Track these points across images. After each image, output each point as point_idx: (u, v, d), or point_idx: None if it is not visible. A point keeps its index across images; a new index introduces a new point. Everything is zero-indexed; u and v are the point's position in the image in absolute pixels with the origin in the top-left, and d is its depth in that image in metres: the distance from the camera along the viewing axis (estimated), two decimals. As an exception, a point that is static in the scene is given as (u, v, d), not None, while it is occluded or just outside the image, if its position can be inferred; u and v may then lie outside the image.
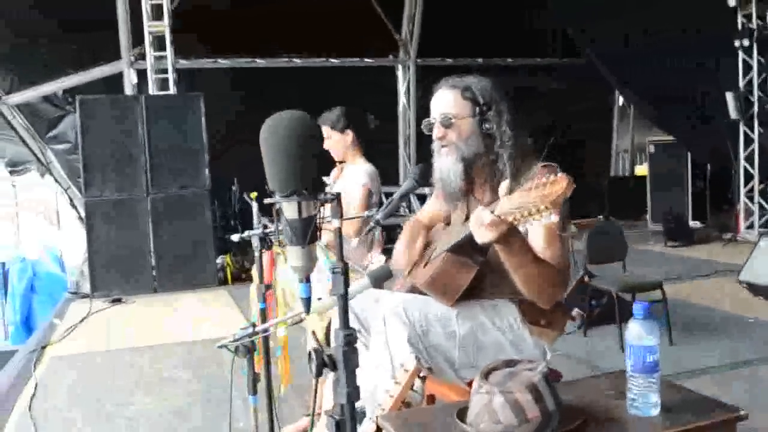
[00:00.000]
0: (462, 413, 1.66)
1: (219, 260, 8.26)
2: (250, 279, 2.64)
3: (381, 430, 1.78)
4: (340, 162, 4.12)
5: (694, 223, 9.73)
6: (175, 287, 7.78)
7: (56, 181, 9.58)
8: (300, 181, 1.38)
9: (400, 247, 2.42)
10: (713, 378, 4.42)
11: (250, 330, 2.22)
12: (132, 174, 7.82)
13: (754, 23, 8.82)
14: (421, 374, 1.93)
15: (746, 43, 8.88)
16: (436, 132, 2.28)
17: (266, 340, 2.38)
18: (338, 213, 1.48)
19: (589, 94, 11.79)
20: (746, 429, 3.39)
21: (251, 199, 2.75)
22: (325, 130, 3.97)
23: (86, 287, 7.88)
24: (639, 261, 7.77)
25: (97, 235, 7.79)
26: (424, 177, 2.27)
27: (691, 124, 9.56)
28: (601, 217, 11.36)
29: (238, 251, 8.27)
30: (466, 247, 2.03)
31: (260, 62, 10.39)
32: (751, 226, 9.02)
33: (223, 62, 10.23)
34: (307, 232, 1.38)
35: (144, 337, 6.01)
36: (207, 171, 8.02)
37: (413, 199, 8.83)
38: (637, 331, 1.63)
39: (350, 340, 1.40)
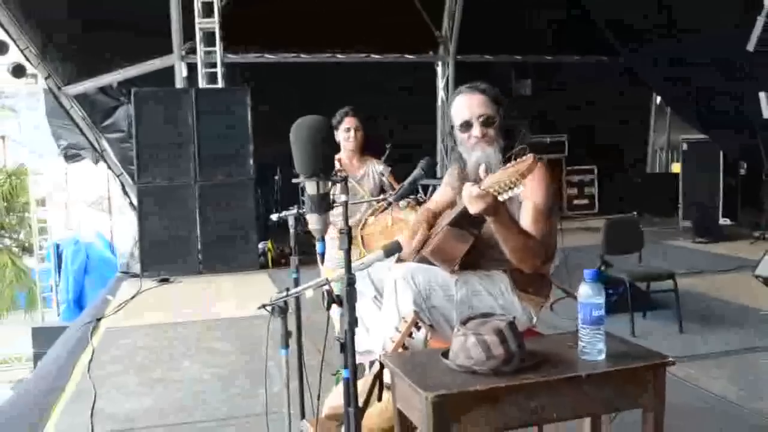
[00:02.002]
0: (446, 353, 2.13)
1: (261, 245, 8.81)
2: (289, 264, 3.12)
3: (383, 368, 2.26)
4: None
5: (724, 221, 9.99)
6: (218, 269, 8.37)
7: (109, 168, 10.26)
8: (318, 166, 1.88)
9: (403, 238, 2.90)
10: (717, 362, 4.80)
11: (285, 293, 2.72)
12: (181, 162, 8.43)
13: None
14: (419, 326, 2.40)
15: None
16: (478, 131, 2.72)
17: (297, 300, 2.87)
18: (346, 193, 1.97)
19: (628, 92, 12.04)
20: (743, 412, 3.80)
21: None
22: (354, 121, 4.66)
23: (136, 268, 8.52)
24: (665, 255, 8.13)
25: (147, 219, 8.42)
26: (431, 168, 2.73)
27: (725, 123, 9.78)
28: (635, 212, 11.69)
29: (278, 237, 8.81)
30: (463, 220, 2.51)
31: (304, 57, 10.91)
32: (779, 225, 9.24)
33: (270, 57, 10.77)
34: (323, 204, 1.89)
35: (190, 313, 6.58)
36: (251, 160, 8.57)
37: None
38: (586, 291, 2.08)
39: (351, 281, 1.88)
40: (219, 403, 4.24)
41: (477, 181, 2.33)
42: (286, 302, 2.79)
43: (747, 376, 4.49)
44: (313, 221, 1.96)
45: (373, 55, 11.18)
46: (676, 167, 11.30)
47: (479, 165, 2.43)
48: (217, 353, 5.30)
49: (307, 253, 3.03)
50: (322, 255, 2.02)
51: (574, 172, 12.09)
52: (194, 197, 8.46)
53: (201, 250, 8.47)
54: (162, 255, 8.35)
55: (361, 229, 3.27)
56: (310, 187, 1.92)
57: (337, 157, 4.87)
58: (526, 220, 2.58)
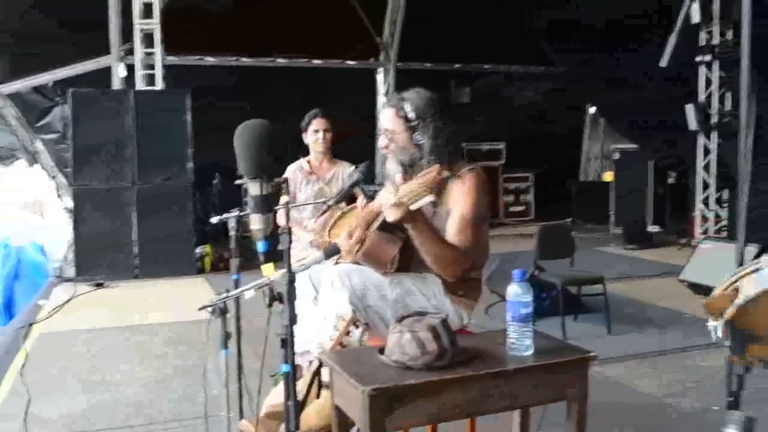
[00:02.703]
0: (382, 350, 2.22)
1: (198, 250, 8.77)
2: (228, 268, 3.17)
3: (322, 365, 2.34)
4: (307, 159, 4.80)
5: (653, 228, 10.38)
6: (155, 274, 8.30)
7: (44, 169, 10.05)
8: (261, 168, 1.96)
9: (342, 240, 3.00)
10: (643, 362, 5.03)
11: (225, 294, 2.78)
12: (119, 165, 8.34)
13: (716, 40, 9.45)
14: (357, 324, 2.49)
15: (707, 58, 9.51)
16: (381, 143, 2.87)
17: (237, 302, 2.92)
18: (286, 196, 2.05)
19: (564, 102, 12.39)
20: (667, 408, 4.00)
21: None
22: (324, 123, 4.74)
23: (70, 272, 8.38)
24: (596, 260, 8.41)
25: (83, 222, 8.29)
26: (370, 172, 2.84)
27: (655, 134, 10.19)
28: (569, 219, 12.06)
29: (217, 241, 8.79)
30: (390, 225, 2.62)
31: (246, 61, 10.90)
32: (705, 232, 9.65)
33: (210, 60, 10.73)
34: (265, 205, 1.97)
35: (127, 317, 6.53)
36: (191, 164, 8.54)
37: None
38: (515, 290, 2.20)
39: (291, 279, 1.96)
40: (157, 406, 4.24)
41: (398, 189, 2.47)
42: (226, 303, 2.85)
43: (671, 375, 4.72)
44: (256, 222, 2.04)
45: (314, 61, 11.24)
46: (608, 176, 11.69)
47: (387, 174, 2.56)
48: (154, 357, 5.29)
49: (246, 256, 3.09)
50: (265, 254, 2.11)
51: (511, 179, 12.37)
52: (132, 201, 8.38)
53: (138, 254, 8.39)
54: (97, 259, 8.24)
55: (330, 229, 3.36)
56: (254, 188, 2.00)
57: (306, 158, 4.93)
58: (452, 228, 2.71)
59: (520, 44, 11.30)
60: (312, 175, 4.85)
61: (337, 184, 4.82)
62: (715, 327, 1.03)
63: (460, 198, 2.70)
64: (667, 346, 5.34)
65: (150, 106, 8.48)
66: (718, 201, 9.75)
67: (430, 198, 2.34)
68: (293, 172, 4.87)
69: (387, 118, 2.89)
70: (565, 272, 5.94)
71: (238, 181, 2.03)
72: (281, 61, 11.03)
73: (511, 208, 12.36)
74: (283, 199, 2.03)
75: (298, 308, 2.62)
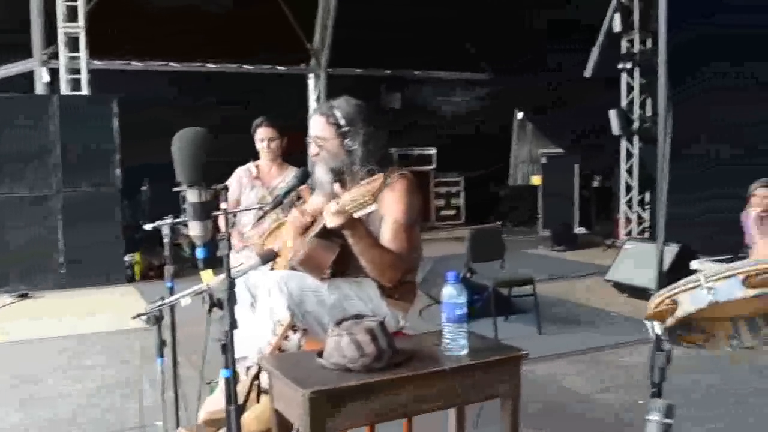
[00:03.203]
0: (321, 354, 2.26)
1: (128, 258, 8.60)
2: (158, 276, 3.15)
3: (261, 370, 2.36)
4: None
5: (579, 230, 10.71)
6: (83, 283, 8.11)
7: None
8: (199, 175, 1.98)
9: (279, 245, 3.03)
10: (572, 360, 5.19)
11: (160, 302, 2.77)
12: (44, 172, 8.12)
13: (636, 48, 9.81)
14: (295, 329, 2.53)
15: (629, 65, 9.87)
16: (312, 150, 2.91)
17: (172, 309, 2.91)
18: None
19: (493, 107, 12.66)
20: (595, 404, 4.15)
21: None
22: (270, 131, 4.64)
23: (-8, 284, 8.10)
24: (526, 262, 8.62)
25: (6, 231, 8.03)
26: (305, 178, 2.87)
27: (580, 138, 10.51)
28: (499, 222, 12.29)
29: (147, 249, 8.64)
30: (328, 231, 2.66)
31: (174, 66, 10.76)
32: (629, 233, 10.00)
33: (137, 64, 10.56)
34: (204, 212, 1.98)
35: (54, 328, 6.35)
36: (118, 171, 8.37)
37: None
38: (449, 292, 2.27)
39: (231, 285, 1.98)
40: (90, 419, 4.15)
41: (333, 196, 2.51)
42: (161, 311, 2.84)
43: (599, 372, 4.89)
44: (195, 229, 2.05)
45: (245, 66, 11.18)
46: (536, 179, 11.97)
47: (318, 183, 2.60)
48: (85, 368, 5.17)
49: (178, 263, 3.08)
50: (204, 260, 2.11)
51: (442, 183, 12.55)
52: (57, 208, 8.17)
53: (65, 263, 8.18)
54: (22, 269, 8.00)
55: (266, 238, 3.37)
56: (192, 196, 2.01)
57: (256, 162, 4.89)
58: (387, 234, 2.76)
59: (450, 50, 11.49)
60: (257, 180, 4.80)
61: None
62: (653, 325, 1.10)
63: (392, 204, 2.76)
64: (595, 344, 5.51)
65: (75, 111, 8.28)
66: (641, 203, 10.11)
67: (373, 207, 2.37)
68: (239, 176, 4.83)
69: (318, 126, 2.93)
70: (496, 274, 6.07)
71: (176, 189, 2.04)
72: (211, 66, 10.93)
73: (443, 212, 12.54)
74: (222, 205, 2.04)
75: (240, 315, 2.64)
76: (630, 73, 9.94)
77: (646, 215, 10.11)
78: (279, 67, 11.56)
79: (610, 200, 10.64)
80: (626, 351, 5.27)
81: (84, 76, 9.06)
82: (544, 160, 11.49)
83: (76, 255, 8.19)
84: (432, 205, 12.40)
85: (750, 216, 5.36)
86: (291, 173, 4.82)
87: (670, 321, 1.04)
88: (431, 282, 6.40)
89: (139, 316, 2.81)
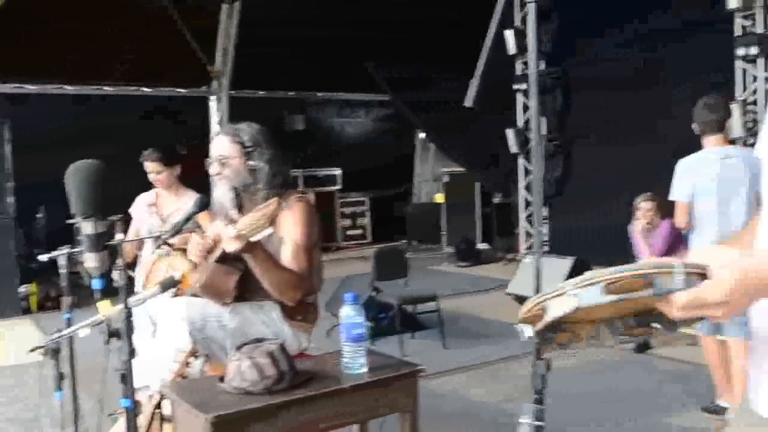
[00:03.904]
0: (223, 378, 2.30)
1: (23, 288, 8.28)
2: (56, 307, 3.09)
3: (163, 397, 2.38)
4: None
5: (482, 245, 11.01)
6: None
7: None
8: (94, 207, 1.99)
9: (180, 273, 3.04)
10: (476, 373, 5.36)
11: (58, 334, 2.73)
12: (-72, 201, 7.75)
13: (531, 69, 10.21)
14: (196, 355, 2.55)
15: (523, 86, 10.25)
16: (214, 169, 2.93)
17: (71, 341, 2.87)
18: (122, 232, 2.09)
19: (396, 127, 12.88)
20: (497, 413, 4.30)
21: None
22: (156, 165, 4.58)
23: None
24: (430, 279, 8.80)
25: None
26: (204, 205, 2.90)
27: (480, 157, 10.83)
28: (405, 241, 12.50)
29: (43, 279, 8.33)
30: (228, 257, 2.70)
31: (68, 89, 10.45)
32: (529, 248, 10.34)
33: (30, 88, 10.20)
34: (99, 243, 1.99)
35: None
36: (11, 199, 8.07)
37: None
38: (347, 313, 2.36)
39: (129, 314, 2.00)
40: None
41: (231, 220, 2.56)
42: (59, 343, 2.80)
43: (502, 383, 5.07)
44: (90, 260, 2.06)
45: (144, 89, 10.98)
46: (439, 197, 12.23)
47: (218, 203, 2.65)
48: (-22, 406, 4.97)
49: (77, 293, 3.03)
50: (100, 291, 2.12)
51: (348, 203, 12.64)
52: (-55, 239, 7.81)
53: (-46, 295, 7.82)
54: None
55: (149, 274, 3.36)
56: (87, 227, 2.02)
57: (156, 190, 4.82)
58: (287, 256, 2.83)
59: (352, 72, 11.62)
60: (153, 207, 4.77)
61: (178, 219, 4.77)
62: (523, 329, 1.21)
63: (291, 226, 2.83)
64: (497, 356, 5.71)
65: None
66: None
67: (270, 230, 2.44)
68: (139, 204, 4.79)
69: (222, 145, 2.97)
70: (401, 292, 6.21)
71: (69, 221, 2.04)
72: (108, 89, 10.68)
73: (349, 232, 12.63)
74: (119, 236, 2.06)
75: (135, 343, 2.64)
76: (525, 93, 10.31)
77: (544, 229, 10.48)
78: (180, 90, 11.40)
79: (510, 216, 10.97)
80: (528, 361, 5.45)
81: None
82: (446, 179, 11.77)
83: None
84: (338, 225, 12.48)
85: (636, 228, 5.69)
86: (189, 199, 4.80)
87: (539, 325, 1.15)
88: (337, 302, 6.46)
89: (35, 349, 2.75)
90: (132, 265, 4.15)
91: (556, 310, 1.10)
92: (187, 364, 2.50)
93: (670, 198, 4.22)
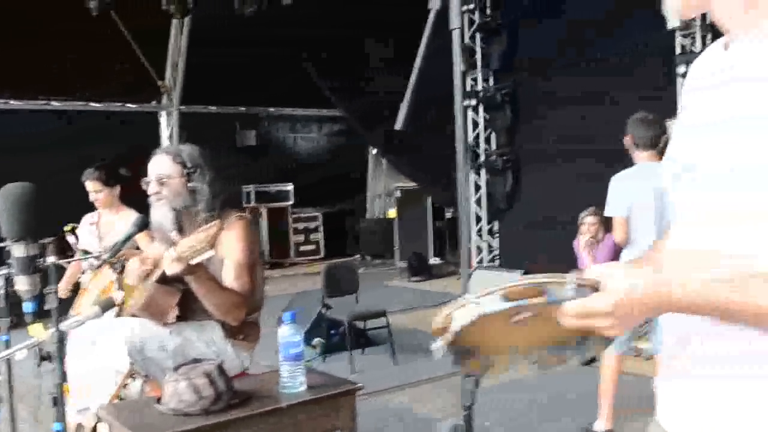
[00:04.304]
0: (160, 400, 2.30)
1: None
2: None
3: (100, 420, 2.37)
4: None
5: (434, 260, 11.10)
6: None
7: None
8: (25, 230, 1.99)
9: (121, 294, 3.03)
10: (426, 388, 5.41)
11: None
12: None
13: (480, 85, 10.36)
14: (134, 376, 2.54)
15: (473, 102, 10.39)
16: (152, 188, 2.93)
17: (9, 363, 2.83)
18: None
19: (349, 142, 12.94)
20: (433, 428, 4.33)
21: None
22: (95, 185, 4.55)
23: None
24: (381, 295, 8.84)
25: None
26: (144, 225, 2.90)
27: (431, 172, 10.93)
28: (358, 256, 12.54)
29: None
30: (169, 278, 2.70)
31: (15, 104, 10.29)
32: (481, 261, 10.46)
33: (-26, 103, 10.02)
34: (31, 266, 1.99)
35: None
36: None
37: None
38: (284, 332, 2.38)
39: (61, 337, 1.99)
40: None
41: (171, 242, 2.57)
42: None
43: (447, 398, 5.12)
44: (22, 283, 2.05)
45: (92, 104, 10.85)
46: (391, 212, 12.30)
47: (158, 224, 2.66)
48: None
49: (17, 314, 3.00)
50: (32, 314, 2.11)
51: (300, 219, 12.63)
52: None
53: None
54: None
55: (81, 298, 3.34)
56: (18, 250, 2.01)
57: (99, 210, 4.79)
58: (229, 275, 2.84)
59: (304, 87, 11.65)
60: (93, 226, 4.75)
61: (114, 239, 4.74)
62: (436, 345, 1.25)
63: (231, 245, 2.84)
64: (447, 371, 5.75)
65: None
66: (490, 232, 10.61)
67: (211, 253, 2.46)
68: (84, 223, 4.77)
69: (163, 164, 2.97)
70: (351, 308, 6.23)
71: (1, 244, 2.03)
72: (55, 104, 10.53)
73: (302, 248, 12.61)
74: (50, 259, 2.06)
75: (75, 365, 2.63)
76: (475, 109, 10.46)
77: (495, 243, 10.62)
78: (129, 105, 11.29)
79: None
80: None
81: None
82: (398, 194, 11.85)
83: None
84: (291, 241, 12.45)
85: (579, 243, 5.79)
86: (129, 219, 4.77)
87: (447, 336, 1.19)
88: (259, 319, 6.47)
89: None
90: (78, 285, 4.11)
91: (461, 319, 1.15)
92: (125, 385, 2.49)
93: (607, 214, 4.28)
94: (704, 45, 7.59)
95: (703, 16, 7.50)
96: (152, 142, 11.43)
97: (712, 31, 7.62)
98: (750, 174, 1.01)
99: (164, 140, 11.50)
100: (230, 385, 2.31)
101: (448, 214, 11.49)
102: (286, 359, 2.38)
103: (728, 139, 1.06)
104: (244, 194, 12.16)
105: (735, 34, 1.16)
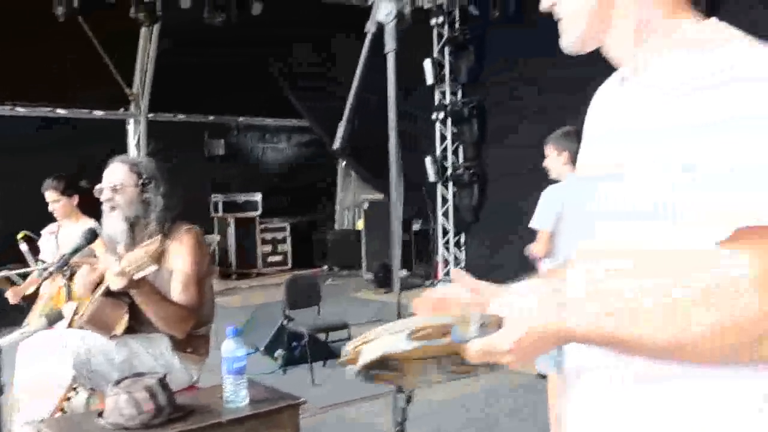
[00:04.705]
0: (102, 413, 2.30)
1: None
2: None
3: (40, 433, 2.37)
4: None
5: (401, 272, 11.11)
6: None
7: None
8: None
9: (70, 305, 3.04)
10: (380, 401, 5.42)
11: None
12: None
13: (448, 99, 10.45)
14: (76, 389, 2.54)
15: (441, 116, 10.48)
16: (105, 195, 2.93)
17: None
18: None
19: (318, 153, 12.94)
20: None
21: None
22: (52, 194, 4.56)
23: None
24: (346, 306, 8.84)
25: None
26: (92, 237, 2.90)
27: (398, 185, 10.98)
28: (325, 267, 12.55)
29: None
30: (115, 291, 2.71)
31: (-22, 109, 10.18)
32: (447, 273, 10.52)
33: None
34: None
35: None
36: None
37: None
38: (228, 346, 2.40)
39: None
40: None
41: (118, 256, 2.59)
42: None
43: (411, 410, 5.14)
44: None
45: (59, 110, 10.76)
46: (360, 224, 12.31)
47: (108, 234, 2.68)
48: None
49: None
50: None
51: (268, 230, 12.59)
52: None
53: None
54: None
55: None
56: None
57: (58, 220, 4.79)
58: (176, 288, 2.86)
59: (273, 97, 11.67)
60: (52, 235, 4.75)
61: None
62: (350, 373, 1.27)
63: (180, 258, 2.86)
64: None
65: None
66: (457, 244, 10.68)
67: (153, 267, 2.49)
68: (44, 233, 4.78)
69: (118, 172, 2.99)
70: (313, 321, 6.24)
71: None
72: (21, 110, 10.44)
73: (270, 258, 12.57)
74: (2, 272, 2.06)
75: (23, 376, 2.62)
76: (443, 122, 10.55)
77: (462, 255, 10.69)
78: (96, 112, 11.22)
79: (428, 243, 11.15)
80: (439, 388, 5.56)
81: None
82: (366, 206, 11.88)
83: None
84: (259, 251, 12.42)
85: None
86: (84, 226, 4.76)
87: (357, 368, 1.21)
88: (249, 331, 6.47)
89: None
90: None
91: (368, 355, 1.17)
92: (68, 398, 2.49)
93: (531, 225, 4.18)
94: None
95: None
96: (120, 150, 11.36)
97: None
98: (750, 174, 0.98)
99: (132, 148, 11.42)
100: (172, 399, 2.32)
101: (416, 227, 11.53)
102: (229, 373, 2.40)
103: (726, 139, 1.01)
104: (212, 203, 12.12)
105: (629, 69, 1.21)
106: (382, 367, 1.28)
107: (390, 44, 1.73)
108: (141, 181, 2.97)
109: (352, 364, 1.22)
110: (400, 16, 1.72)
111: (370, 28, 1.73)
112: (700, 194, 1.02)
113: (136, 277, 2.48)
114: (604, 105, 1.28)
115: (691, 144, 1.03)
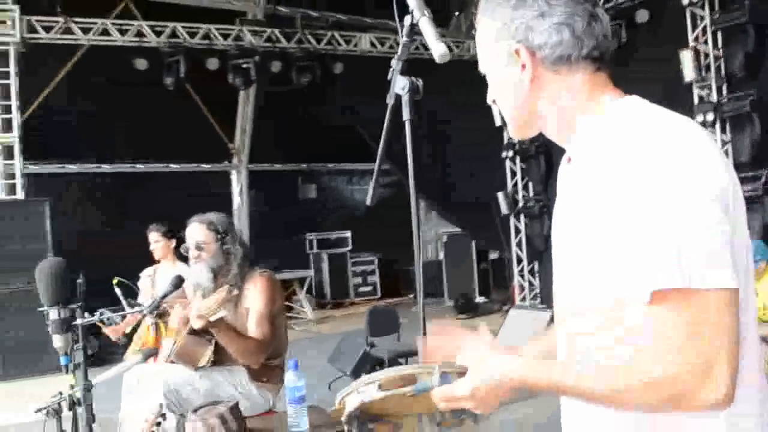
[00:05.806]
0: (184, 438, 2.45)
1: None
2: (94, 364, 3.22)
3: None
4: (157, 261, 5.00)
5: (480, 299, 11.07)
6: (18, 375, 7.99)
7: None
8: (58, 297, 2.20)
9: (168, 342, 3.24)
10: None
11: (59, 395, 2.90)
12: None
13: (515, 139, 10.42)
14: (164, 416, 2.70)
15: (511, 153, 10.46)
16: (192, 254, 3.13)
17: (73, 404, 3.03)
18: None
19: (400, 194, 13.07)
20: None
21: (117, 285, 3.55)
22: (155, 236, 4.86)
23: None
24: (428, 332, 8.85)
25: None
26: (179, 283, 3.09)
27: (476, 218, 11.00)
28: (411, 295, 12.59)
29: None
30: (199, 329, 2.89)
31: (105, 168, 10.85)
32: (524, 299, 10.40)
33: (71, 167, 10.60)
34: (63, 326, 2.19)
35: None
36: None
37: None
38: (290, 378, 2.51)
39: (88, 387, 2.17)
40: None
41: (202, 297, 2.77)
42: (60, 404, 2.96)
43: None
44: (57, 341, 2.26)
45: (171, 166, 11.34)
46: (440, 255, 12.35)
47: (195, 282, 2.86)
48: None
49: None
50: (66, 367, 2.31)
51: (358, 263, 12.80)
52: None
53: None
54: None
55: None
56: (53, 314, 2.22)
57: (157, 265, 5.10)
58: (252, 324, 3.01)
59: (357, 144, 11.92)
60: (148, 278, 5.01)
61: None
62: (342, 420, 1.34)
63: (255, 298, 3.02)
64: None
65: (9, 215, 8.32)
66: (531, 272, 10.55)
67: (223, 313, 2.68)
68: (143, 276, 5.04)
69: (198, 232, 3.19)
70: (393, 347, 6.32)
71: (40, 309, 2.25)
72: (140, 167, 11.08)
73: (360, 289, 12.76)
74: (78, 320, 2.25)
75: (125, 405, 2.81)
76: (513, 160, 10.52)
77: (536, 282, 10.55)
78: (203, 165, 11.77)
79: (505, 270, 11.06)
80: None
81: (18, 181, 9.06)
82: (445, 239, 11.92)
83: (10, 348, 8.08)
84: (350, 282, 12.63)
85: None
86: (180, 269, 5.02)
87: (344, 418, 1.28)
88: (337, 357, 6.61)
89: (39, 410, 2.91)
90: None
91: (349, 406, 1.24)
92: (157, 423, 2.64)
93: None
94: (720, 94, 7.54)
95: (718, 68, 7.51)
96: (225, 198, 11.89)
97: (728, 82, 7.57)
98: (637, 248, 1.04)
99: (235, 195, 11.93)
100: (242, 424, 2.44)
101: (493, 256, 11.47)
102: (291, 402, 2.51)
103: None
104: (307, 241, 12.44)
105: (569, 151, 1.26)
106: (375, 420, 1.34)
107: (406, 113, 1.82)
108: (219, 237, 3.16)
109: (340, 414, 1.29)
110: (414, 88, 1.82)
111: (389, 100, 1.83)
112: (614, 267, 1.07)
113: (212, 318, 2.65)
114: (559, 183, 1.33)
115: (603, 222, 1.09)
